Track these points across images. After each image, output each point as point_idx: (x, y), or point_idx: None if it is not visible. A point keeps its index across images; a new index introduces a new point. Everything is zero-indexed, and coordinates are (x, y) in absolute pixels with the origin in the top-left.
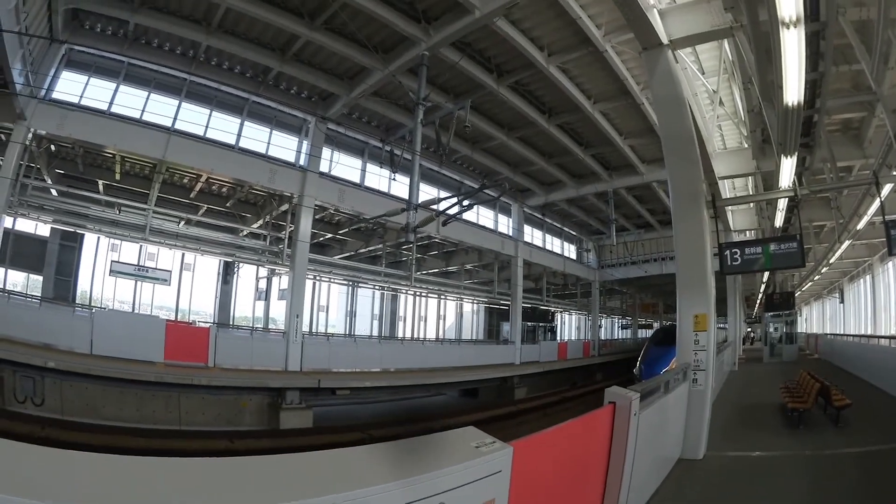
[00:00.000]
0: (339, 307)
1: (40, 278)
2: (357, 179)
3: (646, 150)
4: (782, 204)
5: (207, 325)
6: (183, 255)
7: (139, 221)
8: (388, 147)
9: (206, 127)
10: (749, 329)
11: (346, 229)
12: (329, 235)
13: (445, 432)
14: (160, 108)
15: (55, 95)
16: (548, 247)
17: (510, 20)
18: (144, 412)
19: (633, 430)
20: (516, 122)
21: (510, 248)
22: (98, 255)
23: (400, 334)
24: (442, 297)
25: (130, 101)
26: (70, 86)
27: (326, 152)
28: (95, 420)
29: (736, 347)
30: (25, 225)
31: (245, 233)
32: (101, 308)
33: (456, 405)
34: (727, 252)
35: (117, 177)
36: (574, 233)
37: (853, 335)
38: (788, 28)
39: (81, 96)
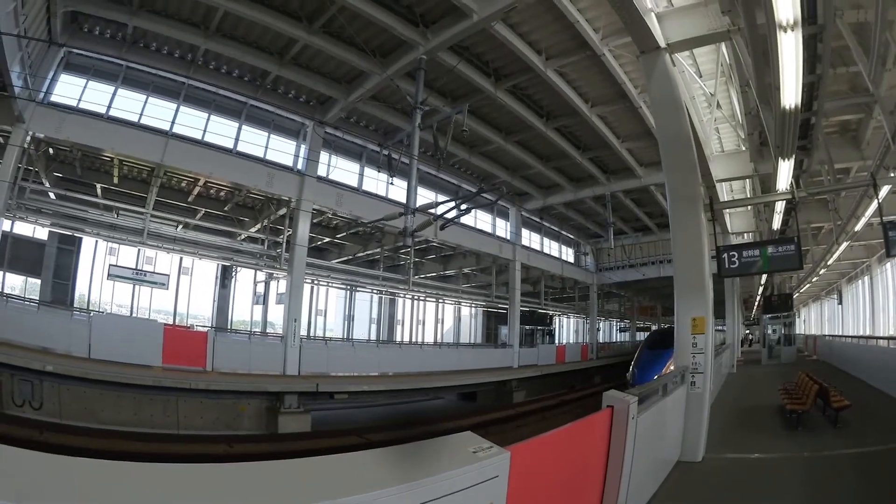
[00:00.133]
0: (337, 311)
1: (38, 282)
2: (355, 183)
3: (643, 153)
4: (780, 206)
5: (205, 329)
6: (181, 258)
7: (137, 225)
8: (385, 151)
9: (205, 131)
10: (747, 331)
11: (344, 233)
12: (327, 239)
13: (443, 437)
14: (158, 112)
15: (54, 98)
16: (546, 250)
17: (508, 24)
18: (142, 416)
19: (631, 433)
20: (514, 126)
21: (508, 251)
22: (96, 258)
23: (398, 338)
24: (440, 300)
25: (129, 104)
26: (68, 89)
27: (324, 156)
28: (93, 424)
29: (734, 349)
30: (23, 228)
31: (243, 237)
32: (99, 312)
33: (454, 409)
34: (725, 255)
35: (115, 180)
36: (572, 236)
37: (851, 336)
38: (786, 31)
39: (80, 99)
